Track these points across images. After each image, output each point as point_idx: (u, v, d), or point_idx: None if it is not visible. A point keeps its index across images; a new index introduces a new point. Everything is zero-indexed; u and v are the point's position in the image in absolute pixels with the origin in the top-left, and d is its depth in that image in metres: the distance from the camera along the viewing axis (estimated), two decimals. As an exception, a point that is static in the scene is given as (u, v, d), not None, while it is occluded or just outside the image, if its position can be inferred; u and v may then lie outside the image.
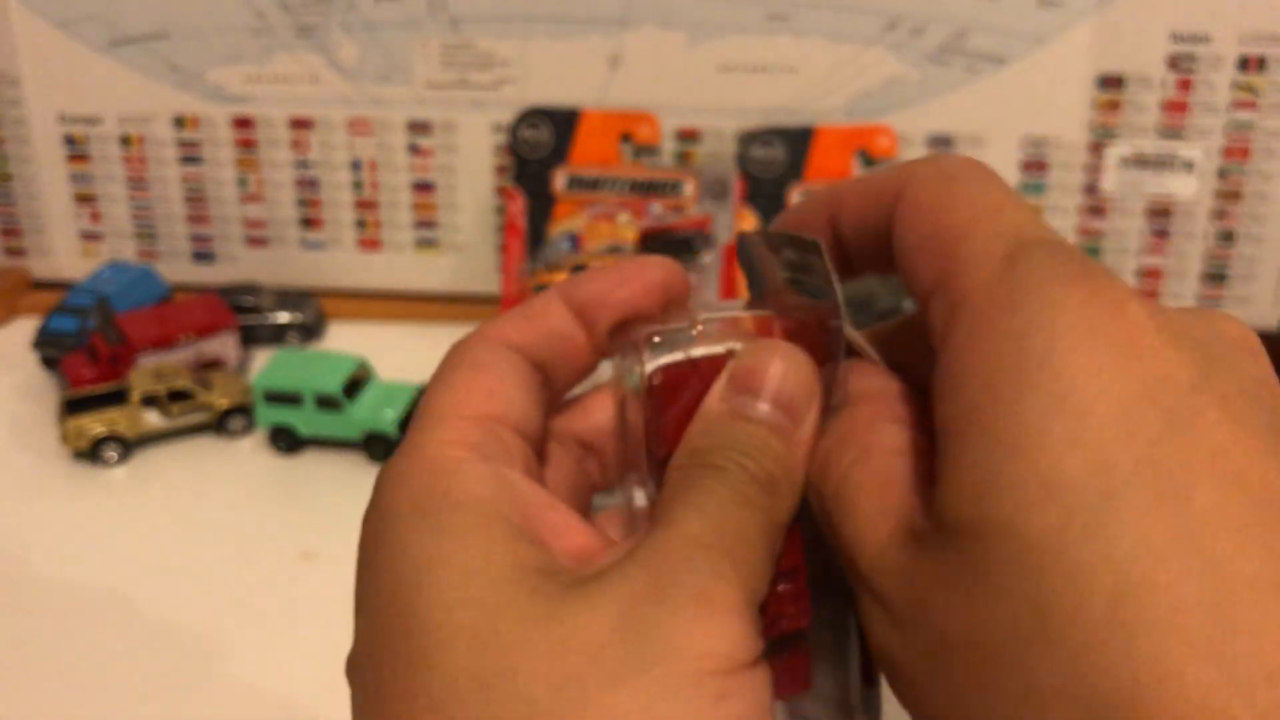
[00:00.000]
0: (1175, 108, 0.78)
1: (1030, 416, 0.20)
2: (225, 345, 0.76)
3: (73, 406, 0.67)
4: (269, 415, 0.68)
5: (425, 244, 0.87)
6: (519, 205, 0.81)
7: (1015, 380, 0.21)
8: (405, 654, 0.22)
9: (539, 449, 0.29)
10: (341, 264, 0.88)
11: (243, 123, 0.85)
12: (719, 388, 0.27)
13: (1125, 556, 0.19)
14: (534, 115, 0.80)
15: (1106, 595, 0.19)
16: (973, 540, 0.21)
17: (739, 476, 0.25)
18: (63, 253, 0.89)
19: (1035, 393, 0.21)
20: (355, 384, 0.68)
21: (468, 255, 0.87)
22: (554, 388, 0.30)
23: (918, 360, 0.28)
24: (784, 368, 0.27)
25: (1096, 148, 0.80)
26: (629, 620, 0.22)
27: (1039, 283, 0.22)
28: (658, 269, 0.30)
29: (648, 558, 0.24)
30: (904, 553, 0.23)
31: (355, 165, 0.85)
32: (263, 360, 0.76)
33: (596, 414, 0.32)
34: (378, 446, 0.67)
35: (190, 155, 0.86)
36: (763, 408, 0.26)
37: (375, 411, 0.67)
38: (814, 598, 0.27)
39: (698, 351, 0.28)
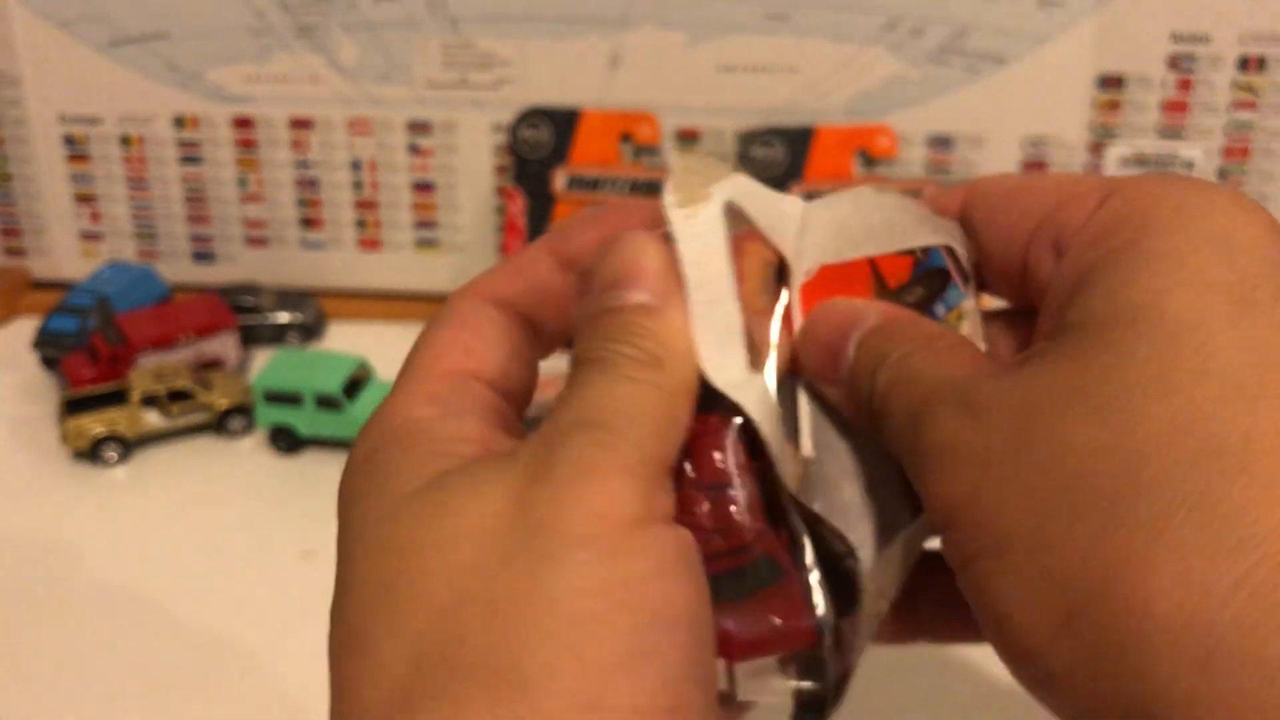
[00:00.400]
0: (1175, 108, 0.78)
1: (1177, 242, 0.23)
2: (225, 345, 0.76)
3: (73, 406, 0.67)
4: (269, 415, 0.68)
5: (425, 244, 0.87)
6: (519, 205, 0.81)
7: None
8: (339, 583, 0.24)
9: (525, 401, 0.30)
10: (341, 264, 0.88)
11: (243, 123, 0.85)
12: (591, 291, 0.28)
13: (1268, 332, 0.21)
14: (534, 115, 0.80)
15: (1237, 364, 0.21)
16: (1114, 328, 0.22)
17: (616, 361, 0.26)
18: (63, 253, 0.89)
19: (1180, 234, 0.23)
20: (355, 384, 0.68)
21: (468, 255, 0.87)
22: (545, 341, 0.31)
23: None
24: (639, 252, 0.27)
25: (1096, 148, 0.80)
26: (512, 502, 0.23)
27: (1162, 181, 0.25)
28: (640, 213, 0.30)
29: (530, 445, 0.24)
30: (1006, 375, 0.23)
31: (355, 165, 0.85)
32: (263, 360, 0.76)
33: None
34: (378, 446, 0.67)
35: (190, 155, 0.86)
36: (629, 295, 0.27)
37: (375, 411, 0.67)
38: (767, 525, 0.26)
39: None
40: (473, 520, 0.22)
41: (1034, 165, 0.80)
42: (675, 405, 0.26)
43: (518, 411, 0.30)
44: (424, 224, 0.87)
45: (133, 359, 0.72)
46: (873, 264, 0.29)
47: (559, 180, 0.80)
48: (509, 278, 0.30)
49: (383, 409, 0.28)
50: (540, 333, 0.31)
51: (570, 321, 0.30)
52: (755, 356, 0.28)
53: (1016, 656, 0.22)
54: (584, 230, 0.30)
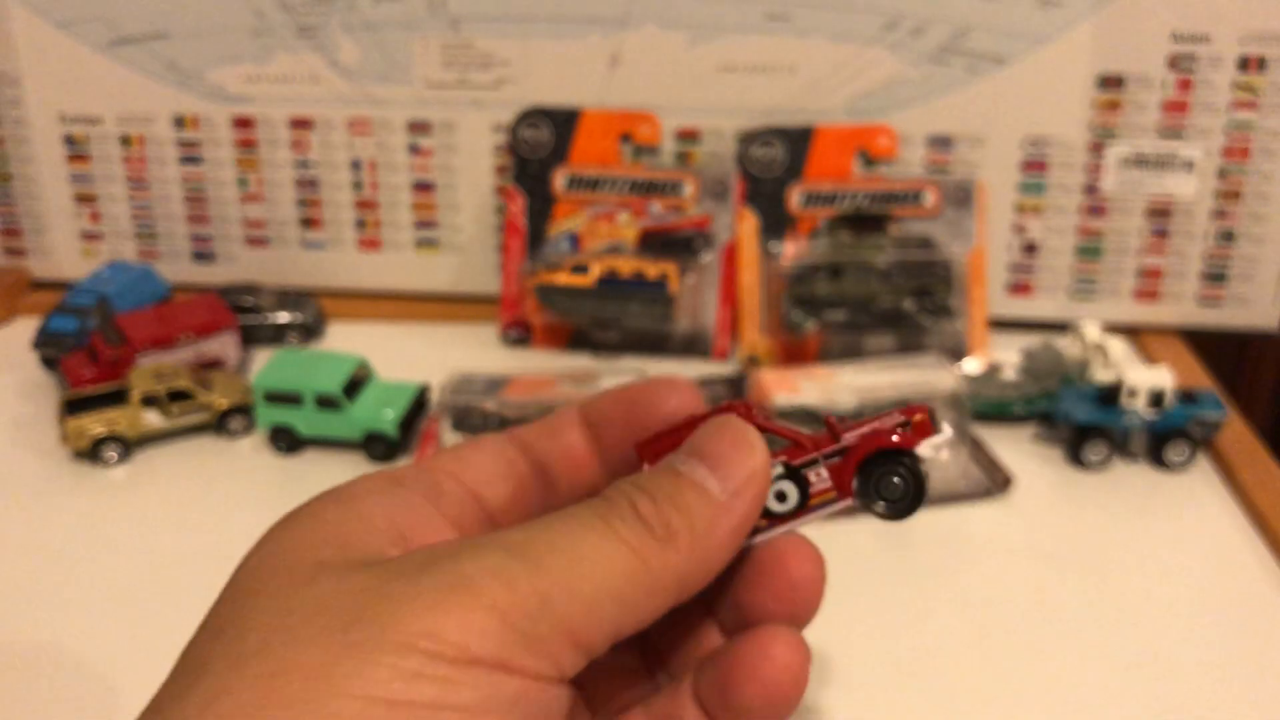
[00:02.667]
0: (1175, 108, 0.78)
1: None
2: (225, 345, 0.76)
3: (73, 406, 0.67)
4: (269, 415, 0.68)
5: (425, 244, 0.87)
6: (519, 205, 0.81)
7: None
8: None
9: (505, 520, 0.31)
10: (341, 264, 0.88)
11: (243, 123, 0.85)
12: (677, 451, 0.28)
13: None
14: (534, 115, 0.80)
15: None
16: None
17: (619, 509, 0.26)
18: (63, 253, 0.89)
19: None
20: (355, 384, 0.68)
21: (468, 255, 0.87)
22: (557, 490, 0.32)
23: None
24: (731, 432, 0.28)
25: (1096, 148, 0.80)
26: (372, 591, 0.23)
27: None
28: (669, 394, 0.32)
29: (451, 546, 0.25)
30: None
31: (355, 165, 0.85)
32: (263, 360, 0.76)
33: None
34: (378, 446, 0.67)
35: (190, 155, 0.86)
36: (695, 468, 0.27)
37: (375, 411, 0.67)
38: None
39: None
40: (326, 595, 0.23)
41: (1034, 165, 0.80)
42: (646, 590, 0.25)
43: (488, 524, 0.31)
44: (424, 224, 0.87)
45: (133, 359, 0.72)
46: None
47: (559, 180, 0.80)
48: (538, 431, 0.32)
49: (360, 481, 0.29)
50: (553, 483, 0.32)
51: (583, 483, 0.32)
52: None
53: None
54: (617, 403, 0.32)
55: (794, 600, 0.31)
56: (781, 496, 0.31)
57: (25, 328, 0.80)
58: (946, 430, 0.32)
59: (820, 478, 0.31)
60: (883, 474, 0.31)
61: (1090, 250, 0.82)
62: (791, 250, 0.79)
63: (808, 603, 0.31)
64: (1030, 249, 0.82)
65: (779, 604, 0.30)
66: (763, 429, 0.31)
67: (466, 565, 0.23)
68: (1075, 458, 0.66)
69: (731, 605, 0.32)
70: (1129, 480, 0.65)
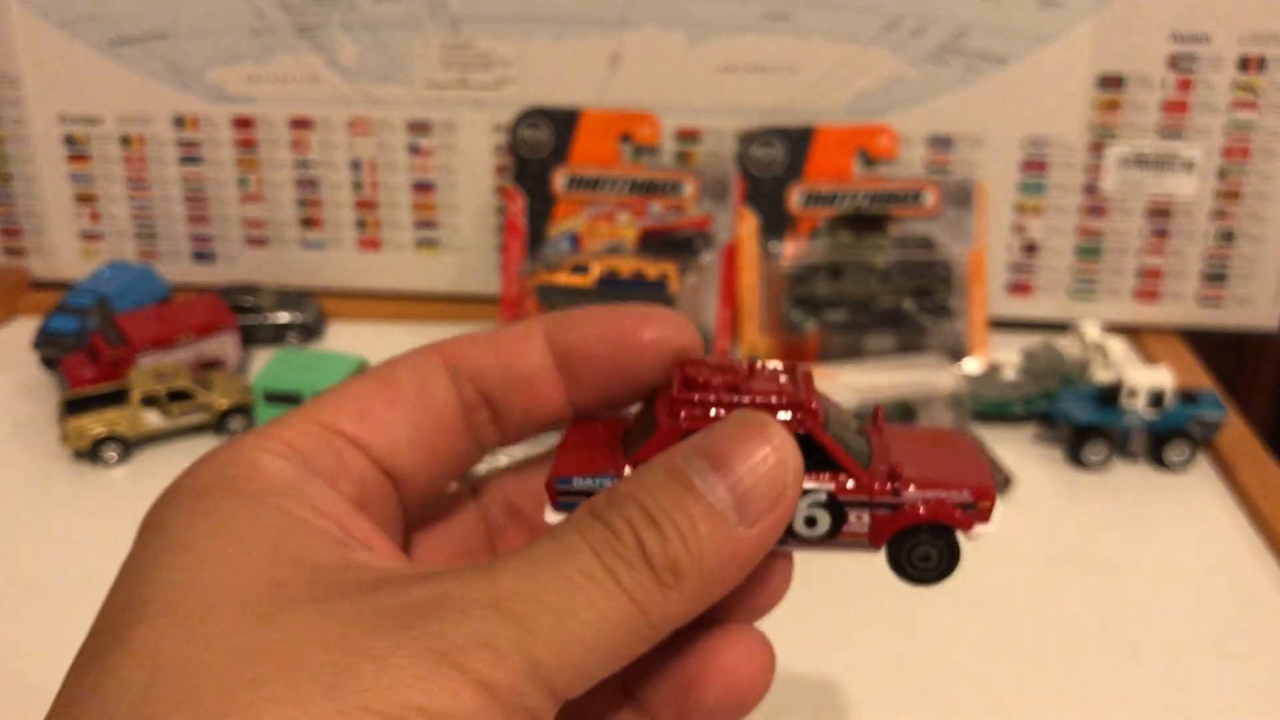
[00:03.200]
0: (1175, 108, 0.78)
1: None
2: (225, 345, 0.76)
3: (73, 406, 0.67)
4: (269, 415, 0.68)
5: (425, 244, 0.87)
6: (519, 205, 0.81)
7: None
8: (112, 628, 0.21)
9: (429, 489, 0.28)
10: (341, 264, 0.88)
11: (243, 123, 0.85)
12: (685, 444, 0.24)
13: None
14: (534, 115, 0.80)
15: None
16: None
17: (623, 546, 0.22)
18: (63, 253, 0.89)
19: None
20: (355, 384, 0.68)
21: (468, 255, 0.87)
22: (505, 429, 0.28)
23: None
24: (766, 455, 0.24)
25: (1096, 148, 0.80)
26: (351, 646, 0.20)
27: None
28: (668, 323, 0.28)
29: (431, 591, 0.22)
30: None
31: (355, 165, 0.85)
32: (263, 360, 0.76)
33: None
34: (378, 446, 0.67)
35: (190, 155, 0.86)
36: (715, 488, 0.23)
37: (375, 411, 0.67)
38: None
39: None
40: (289, 642, 0.20)
41: (1034, 165, 0.80)
42: (640, 640, 0.23)
43: (407, 497, 0.27)
44: (424, 224, 0.87)
45: (133, 359, 0.72)
46: None
47: (559, 180, 0.80)
48: (485, 348, 0.28)
49: (231, 445, 0.25)
50: (502, 419, 0.28)
51: (542, 416, 0.28)
52: None
53: None
54: (591, 324, 0.28)
55: (756, 597, 0.28)
56: (811, 522, 0.29)
57: (25, 328, 0.80)
58: (997, 523, 0.29)
59: (859, 522, 0.29)
60: (922, 544, 0.29)
61: (1090, 250, 0.82)
62: (791, 250, 0.79)
63: (770, 598, 0.29)
64: (1030, 249, 0.82)
65: (739, 602, 0.28)
66: (819, 442, 0.28)
67: (453, 631, 0.21)
68: (1075, 458, 0.66)
69: (661, 692, 0.29)
70: (1129, 480, 0.65)
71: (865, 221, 0.79)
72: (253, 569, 0.22)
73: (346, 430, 0.26)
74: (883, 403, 0.62)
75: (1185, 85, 0.77)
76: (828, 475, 0.28)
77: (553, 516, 0.27)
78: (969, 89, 0.79)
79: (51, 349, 0.75)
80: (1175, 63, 0.77)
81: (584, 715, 0.27)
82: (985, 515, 0.29)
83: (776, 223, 0.79)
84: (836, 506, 0.28)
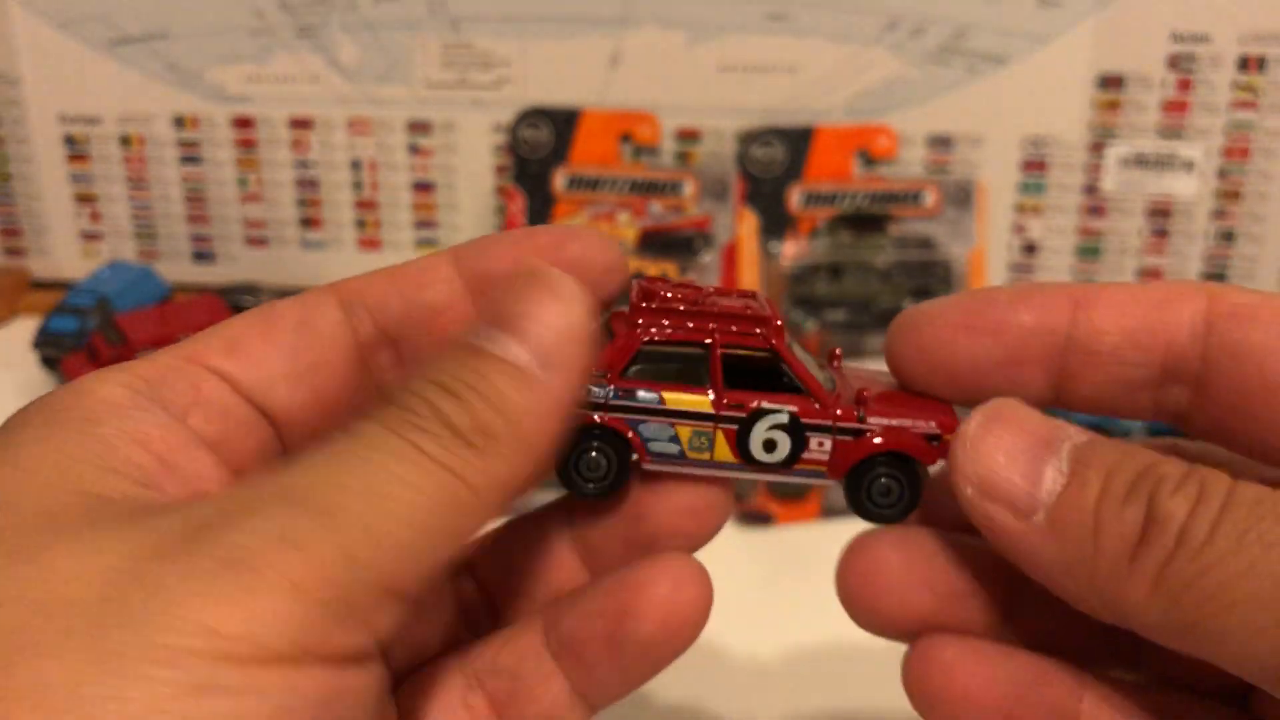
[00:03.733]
0: (1175, 108, 0.78)
1: None
2: (225, 345, 0.76)
3: (73, 406, 0.67)
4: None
5: (425, 244, 0.87)
6: (519, 205, 0.81)
7: None
8: None
9: (307, 429, 0.25)
10: (341, 264, 0.88)
11: (243, 123, 0.85)
12: (470, 320, 0.23)
13: None
14: (534, 115, 0.80)
15: None
16: None
17: (421, 418, 0.20)
18: (63, 253, 0.89)
19: None
20: (355, 384, 0.68)
21: (468, 255, 0.87)
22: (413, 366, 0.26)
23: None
24: (552, 297, 0.22)
25: (1096, 148, 0.80)
26: (127, 574, 0.17)
27: None
28: (582, 239, 0.27)
29: (218, 505, 0.19)
30: None
31: (355, 165, 0.85)
32: (263, 360, 0.75)
33: None
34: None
35: (190, 155, 0.86)
36: (509, 346, 0.22)
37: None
38: None
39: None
40: (59, 582, 0.17)
41: (1034, 165, 0.80)
42: (471, 512, 0.21)
43: (289, 438, 0.25)
44: (424, 224, 0.87)
45: (133, 359, 0.71)
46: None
47: (559, 180, 0.80)
48: (386, 283, 0.26)
49: (90, 378, 0.23)
50: (409, 358, 0.27)
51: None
52: None
53: None
54: (504, 246, 0.27)
55: (692, 520, 0.28)
56: (770, 446, 0.28)
57: (25, 328, 0.80)
58: None
59: (820, 448, 0.28)
60: (883, 475, 0.28)
61: (1090, 250, 0.82)
62: (791, 250, 0.79)
63: (705, 523, 0.28)
64: (1030, 249, 0.82)
65: (672, 531, 0.28)
66: (784, 359, 0.28)
67: (241, 534, 0.18)
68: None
69: (608, 532, 0.29)
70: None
71: (865, 221, 0.79)
72: (24, 500, 0.19)
73: (211, 363, 0.24)
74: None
75: (1185, 85, 0.77)
76: (791, 398, 0.28)
77: None
78: (969, 89, 0.79)
79: (51, 349, 0.75)
80: (1175, 63, 0.77)
81: (513, 676, 0.26)
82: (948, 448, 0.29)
83: (776, 223, 0.79)
84: (798, 430, 0.28)
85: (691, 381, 0.29)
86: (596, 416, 0.28)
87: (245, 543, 0.18)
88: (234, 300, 0.80)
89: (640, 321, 0.28)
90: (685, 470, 0.28)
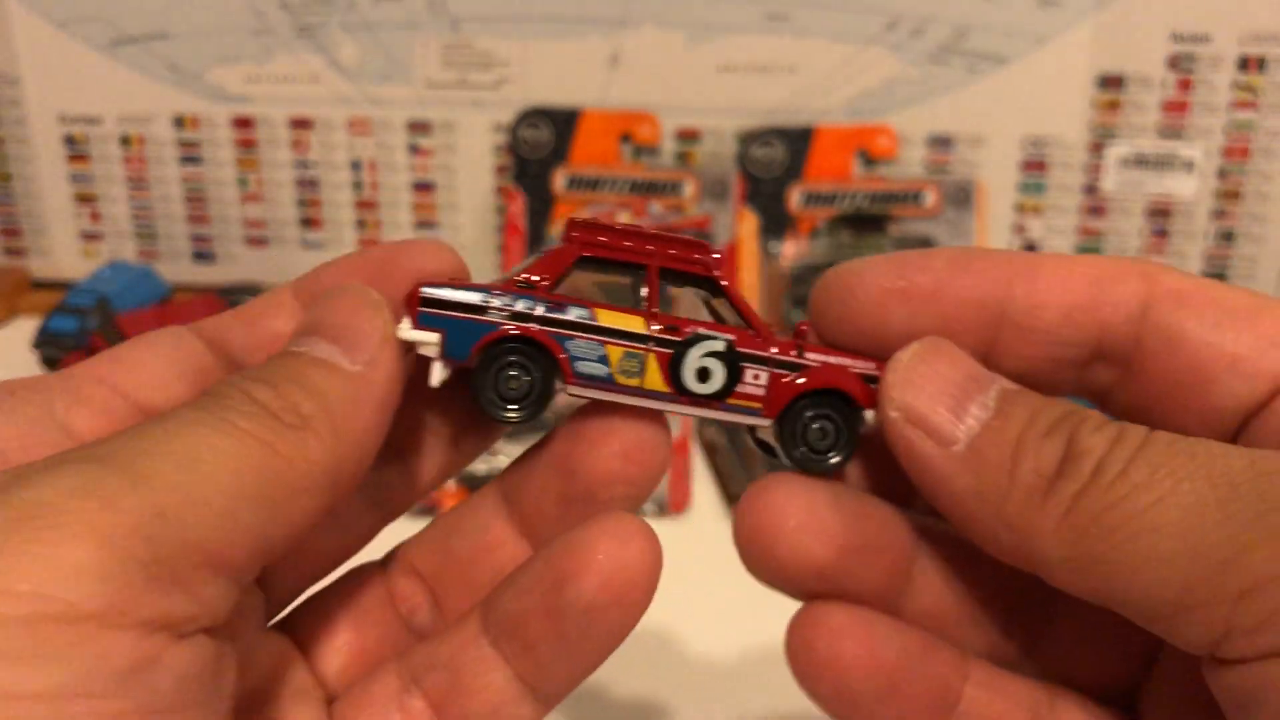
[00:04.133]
0: (1175, 108, 0.78)
1: None
2: (225, 345, 0.76)
3: (73, 406, 0.67)
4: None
5: (425, 244, 0.87)
6: (519, 205, 0.81)
7: None
8: None
9: None
10: (341, 264, 0.88)
11: (243, 123, 0.85)
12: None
13: None
14: (534, 115, 0.80)
15: None
16: None
17: (233, 402, 0.21)
18: (63, 253, 0.89)
19: None
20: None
21: (468, 255, 0.86)
22: None
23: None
24: (349, 300, 0.24)
25: (1096, 148, 0.80)
26: None
27: None
28: (412, 256, 0.27)
29: (15, 469, 0.18)
30: None
31: (355, 165, 0.85)
32: (263, 360, 0.75)
33: None
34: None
35: (190, 155, 0.86)
36: (314, 345, 0.23)
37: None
38: None
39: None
40: None
41: (1034, 165, 0.80)
42: (290, 488, 0.20)
43: None
44: (424, 224, 0.87)
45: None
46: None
47: (559, 180, 0.80)
48: (232, 318, 0.27)
49: None
50: None
51: None
52: None
53: None
54: (336, 270, 0.27)
55: (630, 464, 0.27)
56: (703, 375, 0.27)
57: (25, 328, 0.80)
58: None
59: (756, 382, 0.27)
60: (817, 417, 0.27)
61: (1090, 250, 0.82)
62: (791, 250, 0.79)
63: (646, 470, 0.27)
64: (1030, 249, 0.82)
65: (608, 472, 0.26)
66: (724, 289, 0.28)
67: (40, 488, 0.17)
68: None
69: (541, 494, 0.27)
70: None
71: (865, 221, 0.79)
72: None
73: (95, 370, 0.24)
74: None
75: (1185, 85, 0.77)
76: (731, 329, 0.27)
77: (408, 332, 0.26)
78: (969, 89, 0.79)
79: (51, 349, 0.75)
80: (1175, 63, 0.77)
81: (450, 669, 0.26)
82: None
83: (776, 223, 0.79)
84: (733, 360, 0.27)
85: (626, 303, 0.28)
86: (518, 328, 0.27)
87: (42, 497, 0.17)
88: (234, 300, 0.80)
89: (575, 235, 0.28)
90: (612, 396, 0.27)
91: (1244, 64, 0.77)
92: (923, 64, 0.79)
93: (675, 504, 0.61)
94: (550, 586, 0.25)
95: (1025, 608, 0.28)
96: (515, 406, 0.27)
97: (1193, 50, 0.77)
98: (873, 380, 0.27)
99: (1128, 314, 0.26)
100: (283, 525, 0.20)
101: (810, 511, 0.26)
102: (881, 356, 0.27)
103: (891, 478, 0.28)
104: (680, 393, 0.27)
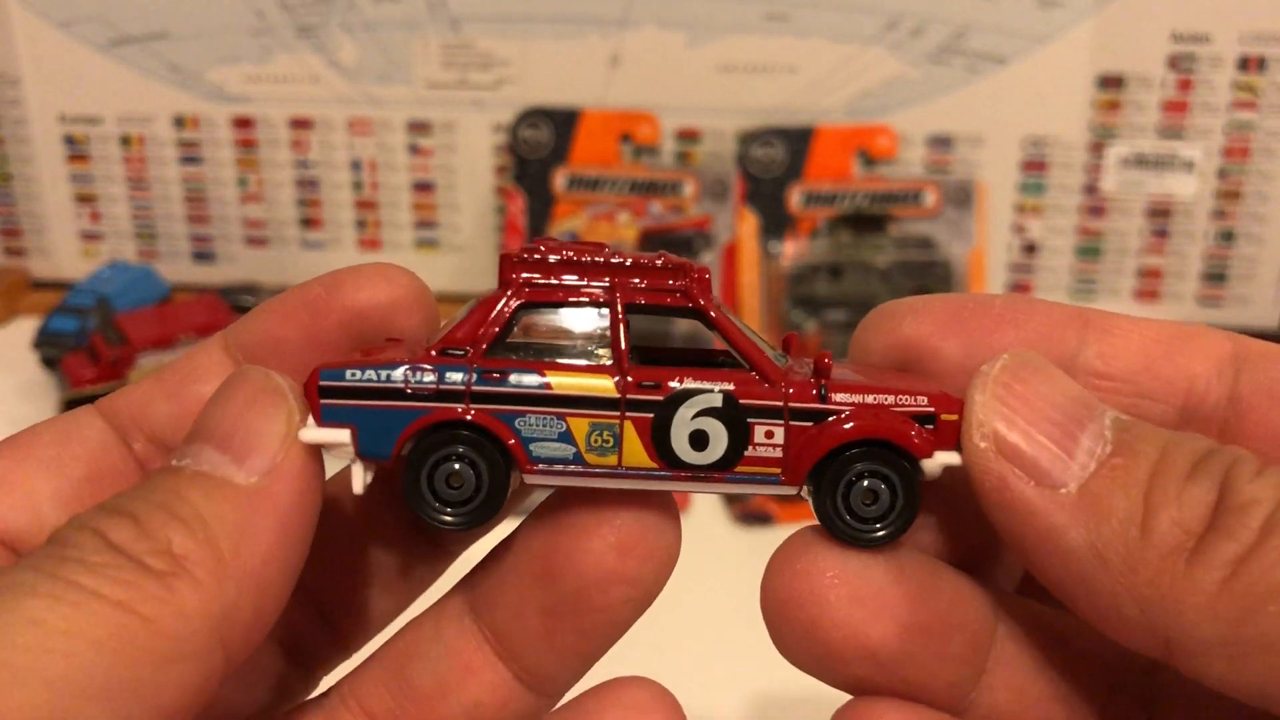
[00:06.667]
0: (1175, 108, 0.78)
1: None
2: (225, 345, 0.76)
3: (73, 406, 0.67)
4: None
5: (425, 244, 0.87)
6: (519, 205, 0.81)
7: None
8: None
9: None
10: (342, 264, 0.88)
11: (243, 123, 0.85)
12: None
13: None
14: (534, 115, 0.80)
15: None
16: None
17: (80, 549, 0.16)
18: (63, 253, 0.89)
19: None
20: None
21: (468, 255, 0.87)
22: None
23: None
24: (240, 390, 0.19)
25: (1096, 148, 0.80)
26: None
27: None
28: (359, 287, 0.22)
29: None
30: None
31: (355, 165, 0.85)
32: (263, 360, 0.75)
33: None
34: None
35: (190, 155, 0.86)
36: (198, 452, 0.18)
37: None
38: None
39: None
40: None
41: (1034, 165, 0.80)
42: (163, 656, 0.16)
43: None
44: (424, 224, 0.86)
45: (133, 359, 0.71)
46: None
47: (559, 180, 0.80)
48: (152, 388, 0.23)
49: None
50: None
51: None
52: None
53: None
54: (267, 318, 0.23)
55: (627, 560, 0.21)
56: (699, 441, 0.21)
57: (25, 328, 0.80)
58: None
59: (770, 440, 0.20)
60: (864, 475, 0.21)
61: (1090, 250, 0.82)
62: (791, 250, 0.79)
63: (650, 564, 0.21)
64: (1030, 249, 0.82)
65: (599, 573, 0.21)
66: (707, 317, 0.21)
67: None
68: (1075, 458, 0.65)
69: (518, 609, 0.22)
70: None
71: (865, 221, 0.79)
72: None
73: None
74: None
75: (1185, 85, 0.77)
76: (726, 374, 0.21)
77: (311, 433, 0.20)
78: (969, 89, 0.79)
79: (51, 349, 0.75)
80: (1175, 63, 0.77)
81: None
82: (950, 435, 0.20)
83: (776, 223, 0.79)
84: (736, 415, 0.20)
85: (586, 357, 0.22)
86: (448, 411, 0.21)
87: None
88: (234, 300, 0.80)
89: (513, 276, 0.22)
90: (585, 482, 0.21)
91: (1244, 64, 0.77)
92: (923, 64, 0.79)
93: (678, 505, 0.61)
94: None
95: (1119, 706, 0.22)
96: (460, 510, 0.21)
97: (1193, 50, 0.77)
98: (927, 419, 0.21)
99: (1218, 370, 0.22)
100: (151, 712, 0.16)
101: (865, 578, 0.21)
102: (932, 386, 0.22)
103: (960, 537, 0.22)
104: (672, 466, 0.21)
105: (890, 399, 0.20)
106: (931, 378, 0.22)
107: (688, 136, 0.82)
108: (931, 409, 0.20)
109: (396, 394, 0.21)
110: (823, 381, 0.21)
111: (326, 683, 0.25)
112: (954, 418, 0.20)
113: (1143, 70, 0.77)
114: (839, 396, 0.20)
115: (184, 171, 0.87)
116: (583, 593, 0.21)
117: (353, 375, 0.20)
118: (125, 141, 0.86)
